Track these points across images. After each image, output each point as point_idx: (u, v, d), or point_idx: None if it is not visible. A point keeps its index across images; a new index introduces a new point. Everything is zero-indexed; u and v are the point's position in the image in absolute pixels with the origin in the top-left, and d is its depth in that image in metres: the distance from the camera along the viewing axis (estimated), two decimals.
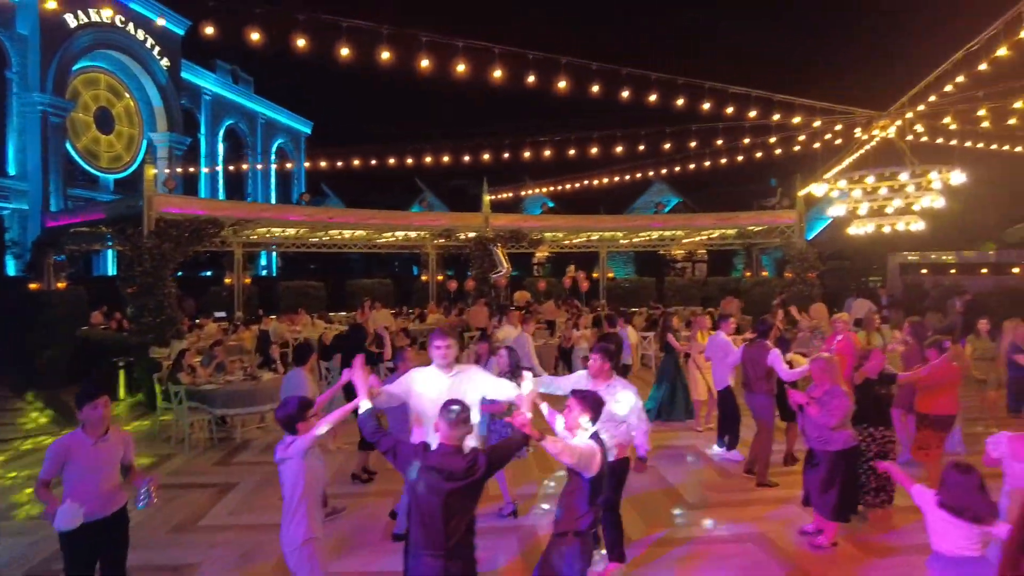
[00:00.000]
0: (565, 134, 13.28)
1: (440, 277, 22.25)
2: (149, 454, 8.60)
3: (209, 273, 26.33)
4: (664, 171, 19.41)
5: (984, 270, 21.57)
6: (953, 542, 3.50)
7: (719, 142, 11.74)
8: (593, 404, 3.95)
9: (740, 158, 15.03)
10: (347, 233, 19.78)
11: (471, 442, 3.81)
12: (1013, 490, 4.10)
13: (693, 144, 11.73)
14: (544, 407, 4.28)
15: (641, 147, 12.13)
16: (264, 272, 36.92)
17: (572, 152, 14.15)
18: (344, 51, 8.45)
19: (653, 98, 9.13)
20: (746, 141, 12.76)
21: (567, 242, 22.70)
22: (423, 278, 22.72)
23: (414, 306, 21.76)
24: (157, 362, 11.21)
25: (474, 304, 16.59)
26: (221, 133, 38.18)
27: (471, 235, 18.76)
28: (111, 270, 27.42)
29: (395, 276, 29.62)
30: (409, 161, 16.31)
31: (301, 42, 8.41)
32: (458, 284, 19.25)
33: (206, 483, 7.45)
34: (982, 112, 9.54)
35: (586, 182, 19.97)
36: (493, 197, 19.18)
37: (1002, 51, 7.18)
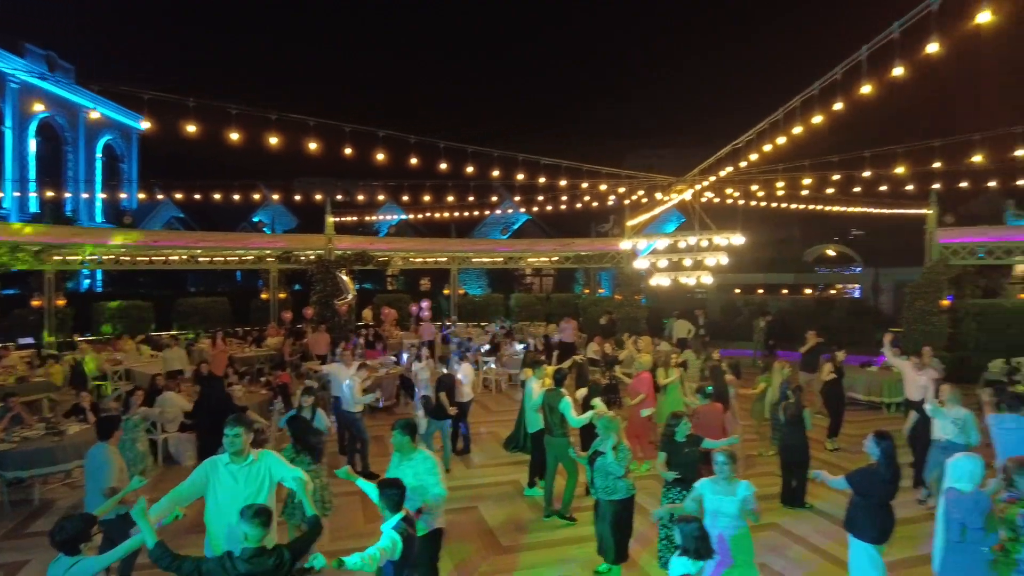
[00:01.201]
0: (399, 180, 13.49)
1: (283, 295, 21.52)
2: None
3: (13, 291, 23.44)
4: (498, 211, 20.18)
5: (785, 291, 24.62)
6: None
7: (540, 197, 12.74)
8: (397, 500, 4.31)
9: (563, 207, 16.27)
10: (177, 255, 18.58)
11: None
12: None
13: (517, 199, 12.64)
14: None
15: (471, 198, 12.76)
16: (87, 283, 33.46)
17: (406, 198, 14.30)
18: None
19: (470, 169, 9.74)
20: (564, 197, 13.89)
21: (418, 260, 22.92)
22: (264, 296, 21.82)
23: (256, 325, 20.85)
24: None
25: (316, 330, 16.26)
26: (33, 127, 34.04)
27: (314, 256, 18.41)
28: None
29: (237, 291, 28.15)
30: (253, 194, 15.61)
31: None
32: (293, 314, 18.75)
33: None
34: (755, 187, 11.31)
35: (436, 210, 20.28)
36: (337, 220, 18.95)
37: (768, 146, 8.62)
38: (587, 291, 26.45)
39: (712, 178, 10.94)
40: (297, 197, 16.78)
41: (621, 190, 12.69)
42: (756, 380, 10.69)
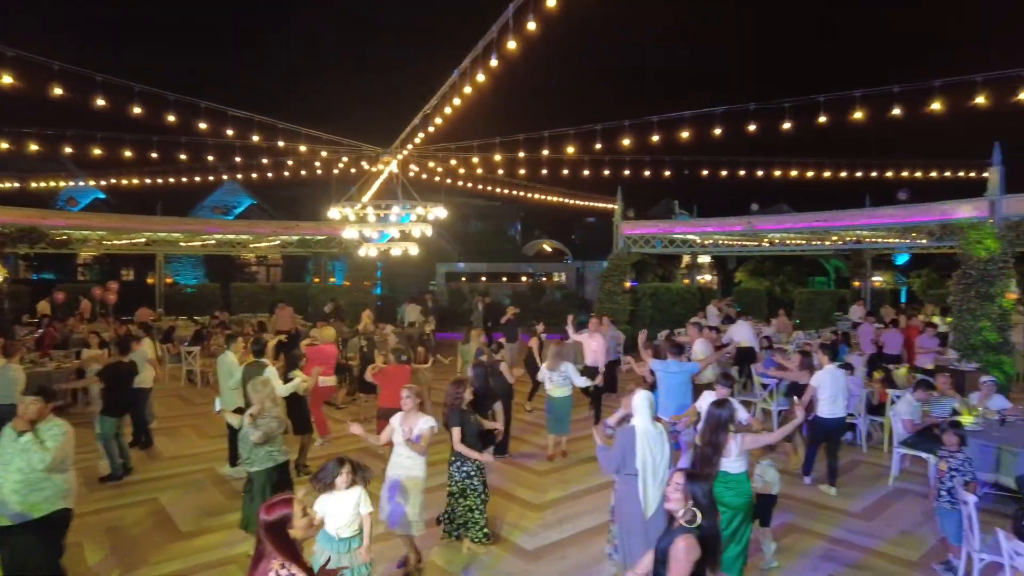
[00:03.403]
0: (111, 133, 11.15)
1: None
2: None
3: None
4: (225, 177, 18.51)
5: (504, 278, 26.57)
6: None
7: (238, 159, 11.82)
8: None
9: (286, 173, 15.44)
10: None
11: None
12: None
13: (211, 158, 11.51)
14: None
15: (153, 155, 11.26)
16: None
17: (129, 153, 11.84)
18: None
19: (138, 110, 8.54)
20: (265, 161, 13.11)
21: (112, 242, 19.75)
22: None
23: None
24: None
25: None
26: None
27: None
28: None
29: None
30: None
31: None
32: None
33: None
34: (454, 161, 12.03)
35: (133, 174, 17.19)
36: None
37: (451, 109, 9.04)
38: (317, 280, 25.46)
39: (411, 146, 11.21)
40: None
41: (324, 154, 12.30)
42: (458, 348, 11.32)
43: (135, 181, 16.36)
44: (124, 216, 18.86)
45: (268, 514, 2.94)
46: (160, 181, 16.74)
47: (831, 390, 7.70)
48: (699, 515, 3.15)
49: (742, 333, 12.68)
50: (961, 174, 16.23)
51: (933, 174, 16.22)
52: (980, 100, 7.81)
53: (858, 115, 8.47)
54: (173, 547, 6.18)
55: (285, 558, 2.84)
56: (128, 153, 11.08)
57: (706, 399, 6.46)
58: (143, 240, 18.83)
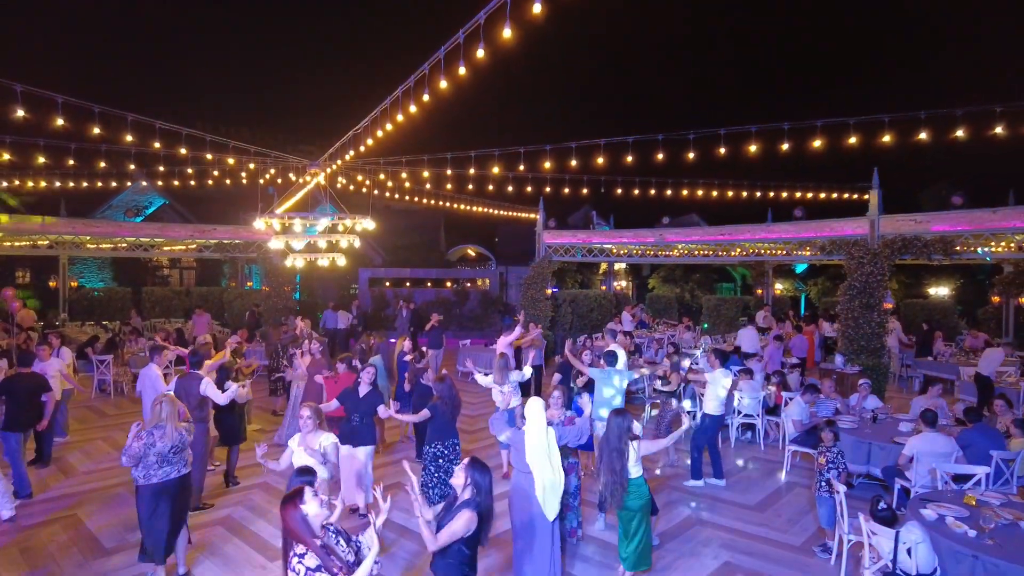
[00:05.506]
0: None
1: None
2: None
3: None
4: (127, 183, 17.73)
5: (429, 284, 26.64)
6: None
7: (161, 168, 11.57)
8: None
9: (193, 183, 15.08)
10: None
11: None
12: None
13: (132, 167, 11.22)
14: None
15: (70, 162, 10.81)
16: None
17: (42, 160, 11.11)
18: None
19: (60, 121, 8.29)
20: (190, 171, 12.86)
21: (10, 244, 18.56)
22: None
23: None
24: None
25: None
26: None
27: None
28: None
29: None
30: None
31: None
32: None
33: None
34: (383, 176, 12.33)
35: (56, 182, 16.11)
36: None
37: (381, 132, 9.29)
38: (233, 284, 24.77)
39: (340, 162, 11.36)
40: None
41: (252, 166, 12.26)
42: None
43: (43, 184, 15.45)
44: (22, 217, 17.74)
45: (284, 505, 3.33)
46: (72, 185, 15.88)
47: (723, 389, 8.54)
48: (477, 493, 3.88)
49: (749, 340, 13.74)
50: (846, 196, 17.90)
51: (823, 195, 17.79)
52: (852, 140, 8.91)
53: (753, 148, 9.42)
54: (97, 563, 6.13)
55: (298, 542, 3.24)
56: (42, 159, 10.57)
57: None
58: (46, 243, 17.79)
